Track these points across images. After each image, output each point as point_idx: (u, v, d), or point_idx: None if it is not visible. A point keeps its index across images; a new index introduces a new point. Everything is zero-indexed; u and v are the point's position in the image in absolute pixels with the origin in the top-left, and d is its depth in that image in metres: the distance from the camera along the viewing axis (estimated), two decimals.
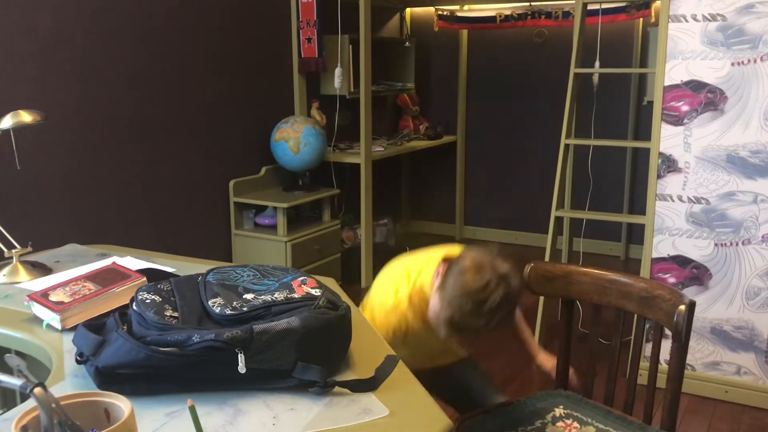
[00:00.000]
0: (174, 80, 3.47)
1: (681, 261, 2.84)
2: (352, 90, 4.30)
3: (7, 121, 1.76)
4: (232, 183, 3.84)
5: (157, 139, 3.40)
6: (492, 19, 4.90)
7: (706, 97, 2.69)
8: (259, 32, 3.98)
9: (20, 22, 2.76)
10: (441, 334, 1.55)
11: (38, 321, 1.40)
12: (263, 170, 4.07)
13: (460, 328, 1.50)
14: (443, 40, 5.19)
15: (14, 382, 0.83)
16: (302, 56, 4.19)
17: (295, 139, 3.87)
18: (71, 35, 2.95)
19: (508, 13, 4.84)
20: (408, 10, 5.24)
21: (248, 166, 4.00)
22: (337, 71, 4.16)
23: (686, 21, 2.67)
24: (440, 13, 5.06)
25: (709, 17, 2.63)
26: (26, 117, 1.77)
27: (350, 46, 4.23)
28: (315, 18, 4.09)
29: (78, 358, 1.15)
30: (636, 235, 4.73)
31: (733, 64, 2.63)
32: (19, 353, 1.39)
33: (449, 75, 5.23)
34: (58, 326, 1.36)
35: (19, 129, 1.78)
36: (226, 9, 3.73)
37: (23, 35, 2.77)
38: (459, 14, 5.03)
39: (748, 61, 2.60)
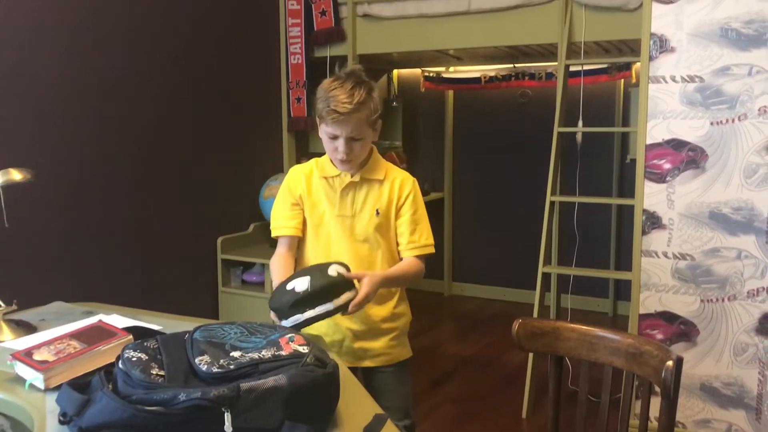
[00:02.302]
0: (163, 138, 3.50)
1: (668, 317, 2.85)
2: None
3: None
4: (220, 240, 3.84)
5: (145, 196, 3.41)
6: (477, 80, 5.01)
7: (687, 155, 2.75)
8: (249, 91, 4.05)
9: (14, 82, 2.79)
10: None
11: (21, 381, 1.38)
12: (251, 227, 4.08)
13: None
14: (430, 100, 5.29)
15: None
16: (292, 115, 4.25)
17: None
18: (64, 95, 2.99)
19: (492, 74, 4.96)
20: (395, 71, 5.36)
21: (237, 222, 4.01)
22: None
23: (666, 82, 2.75)
24: (427, 74, 5.17)
25: (688, 78, 2.71)
26: (16, 175, 1.78)
27: None
28: (304, 78, 4.18)
29: (61, 418, 1.13)
30: (623, 291, 4.74)
31: (712, 124, 2.69)
32: (2, 413, 1.37)
33: (436, 134, 5.32)
34: (41, 386, 1.33)
35: (9, 187, 1.79)
36: (217, 68, 3.80)
37: (16, 94, 2.81)
38: (445, 75, 5.14)
39: (726, 120, 2.67)
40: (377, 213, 1.94)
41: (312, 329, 1.91)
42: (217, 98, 3.82)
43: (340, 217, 1.94)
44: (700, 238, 2.76)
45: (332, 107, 1.81)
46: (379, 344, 1.98)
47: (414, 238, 1.96)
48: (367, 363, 1.99)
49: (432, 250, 2.00)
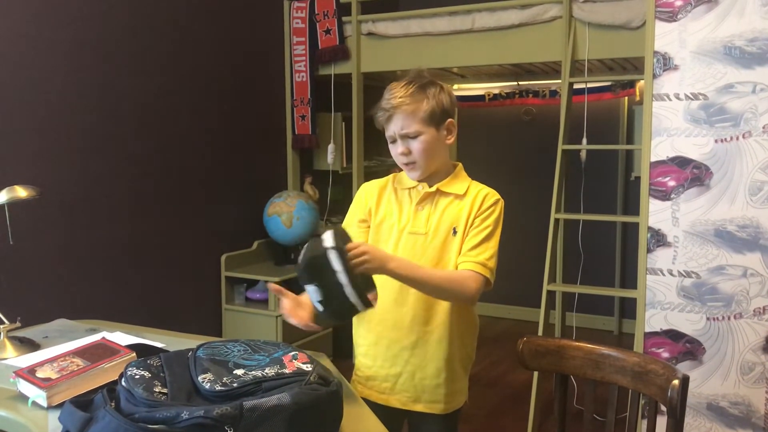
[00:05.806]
0: (168, 154, 3.51)
1: (674, 335, 2.83)
2: (344, 165, 4.36)
3: (2, 197, 1.77)
4: (224, 257, 3.84)
5: (149, 214, 3.42)
6: (481, 97, 5.03)
7: (691, 173, 2.74)
8: (253, 109, 4.06)
9: (20, 99, 2.81)
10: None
11: (24, 398, 1.38)
12: (255, 244, 4.08)
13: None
14: None
15: None
16: (296, 133, 4.27)
17: (288, 213, 3.90)
18: (69, 112, 3.01)
19: (496, 92, 4.98)
20: None
21: (241, 240, 4.01)
22: (330, 147, 4.23)
23: (669, 100, 2.75)
24: None
25: (692, 96, 2.71)
26: (21, 192, 1.78)
27: (343, 123, 4.32)
28: (309, 96, 4.20)
29: None
30: (629, 309, 4.72)
31: (716, 141, 2.69)
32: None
33: None
34: (44, 403, 1.33)
35: (14, 204, 1.79)
36: (221, 86, 3.82)
37: (22, 112, 2.82)
38: None
39: (731, 138, 2.66)
40: (454, 232, 1.70)
41: (368, 357, 1.79)
42: (222, 115, 3.84)
43: (412, 235, 1.71)
44: (705, 255, 2.75)
45: (381, 105, 1.67)
46: (439, 388, 1.75)
47: (473, 253, 1.67)
48: (420, 407, 1.76)
49: (487, 273, 1.65)
